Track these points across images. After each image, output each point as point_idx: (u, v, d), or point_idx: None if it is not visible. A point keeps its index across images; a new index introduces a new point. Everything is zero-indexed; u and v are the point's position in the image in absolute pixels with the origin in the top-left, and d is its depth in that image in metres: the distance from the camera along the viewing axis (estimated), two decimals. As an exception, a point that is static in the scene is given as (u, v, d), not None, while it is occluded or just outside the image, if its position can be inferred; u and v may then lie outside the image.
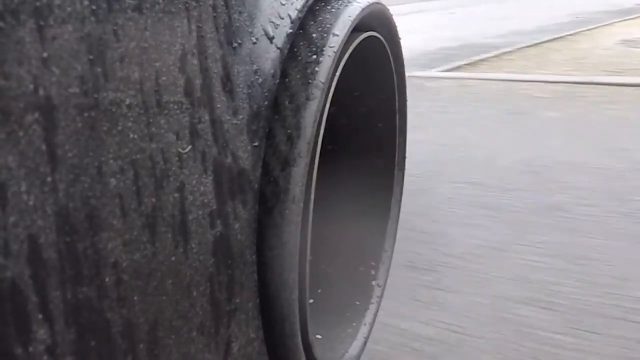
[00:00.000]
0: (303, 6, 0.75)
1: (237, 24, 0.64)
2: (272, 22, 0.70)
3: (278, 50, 0.69)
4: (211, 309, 0.59)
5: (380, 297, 1.10)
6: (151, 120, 0.50)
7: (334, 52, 0.74)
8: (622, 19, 7.32)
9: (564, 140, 2.54)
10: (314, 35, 0.76)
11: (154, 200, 0.51)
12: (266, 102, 0.67)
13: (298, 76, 0.72)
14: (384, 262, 1.14)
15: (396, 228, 1.19)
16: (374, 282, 1.10)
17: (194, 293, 0.57)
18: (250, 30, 0.67)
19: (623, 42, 5.40)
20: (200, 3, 0.58)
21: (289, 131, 0.69)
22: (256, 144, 0.66)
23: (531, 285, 1.45)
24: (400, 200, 1.21)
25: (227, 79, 0.61)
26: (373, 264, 1.13)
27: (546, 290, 1.42)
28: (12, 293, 0.39)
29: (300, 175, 0.69)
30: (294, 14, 0.73)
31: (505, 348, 1.22)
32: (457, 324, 1.30)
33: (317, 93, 0.71)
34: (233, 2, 0.64)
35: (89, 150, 0.44)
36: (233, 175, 0.62)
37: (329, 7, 0.81)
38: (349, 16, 0.80)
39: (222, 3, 0.62)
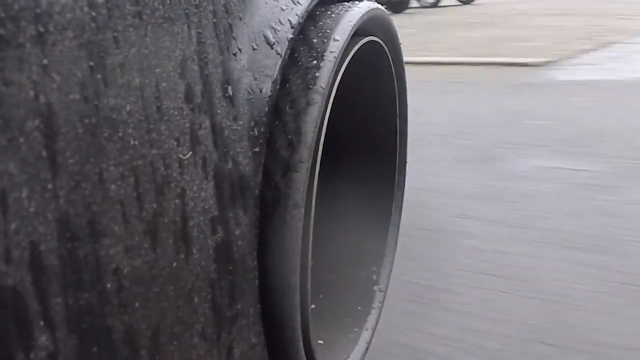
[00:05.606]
0: (303, 11, 0.75)
1: (237, 30, 0.65)
2: (272, 27, 0.70)
3: (278, 56, 0.69)
4: (213, 315, 0.59)
5: (382, 302, 1.10)
6: (152, 126, 0.50)
7: (335, 57, 0.74)
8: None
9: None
10: (314, 40, 0.76)
11: (155, 206, 0.51)
12: (267, 108, 0.67)
13: (298, 81, 0.71)
14: (386, 267, 1.14)
15: (397, 233, 1.19)
16: (375, 287, 1.10)
17: (196, 299, 0.57)
18: (250, 36, 0.67)
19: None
20: (200, 9, 0.58)
21: (289, 137, 0.69)
22: (257, 149, 0.66)
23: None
24: (401, 206, 1.20)
25: (227, 85, 0.61)
26: (374, 269, 1.12)
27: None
28: (14, 300, 0.39)
29: (301, 180, 0.69)
30: (294, 20, 0.73)
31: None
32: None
33: (317, 98, 0.70)
34: (233, 8, 0.64)
35: (90, 156, 0.44)
36: (234, 181, 0.62)
37: (329, 13, 0.81)
38: (350, 21, 0.80)
39: (222, 9, 0.62)
